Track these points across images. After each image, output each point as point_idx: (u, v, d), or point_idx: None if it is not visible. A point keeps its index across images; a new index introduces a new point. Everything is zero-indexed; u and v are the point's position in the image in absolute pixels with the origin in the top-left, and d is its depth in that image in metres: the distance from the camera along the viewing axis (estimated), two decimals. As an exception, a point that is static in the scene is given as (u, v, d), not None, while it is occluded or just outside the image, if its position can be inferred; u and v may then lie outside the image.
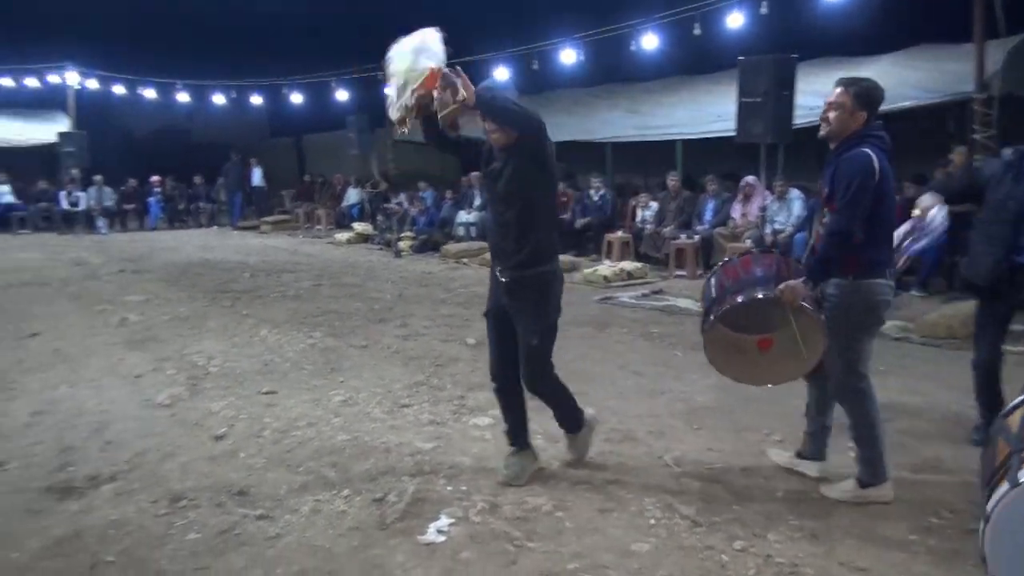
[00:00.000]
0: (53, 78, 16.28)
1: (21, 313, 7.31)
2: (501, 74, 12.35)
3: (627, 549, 2.79)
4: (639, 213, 10.84)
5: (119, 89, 17.08)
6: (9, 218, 15.45)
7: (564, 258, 7.11)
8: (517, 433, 3.45)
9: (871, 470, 3.11)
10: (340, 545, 2.85)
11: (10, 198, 15.74)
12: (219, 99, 17.61)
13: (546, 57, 12.57)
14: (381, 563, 2.71)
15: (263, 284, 9.12)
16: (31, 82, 16.25)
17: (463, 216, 13.35)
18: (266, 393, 4.76)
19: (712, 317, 3.22)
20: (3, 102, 16.72)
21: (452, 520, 3.02)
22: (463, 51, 13.22)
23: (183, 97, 17.40)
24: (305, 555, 2.80)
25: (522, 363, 3.26)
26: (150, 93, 17.05)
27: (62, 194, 15.84)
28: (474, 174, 14.23)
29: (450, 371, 5.24)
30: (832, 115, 3.06)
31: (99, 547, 2.87)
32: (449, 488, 3.32)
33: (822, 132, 3.14)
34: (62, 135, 15.89)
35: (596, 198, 11.26)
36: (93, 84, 16.73)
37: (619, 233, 10.55)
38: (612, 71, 13.04)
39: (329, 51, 15.79)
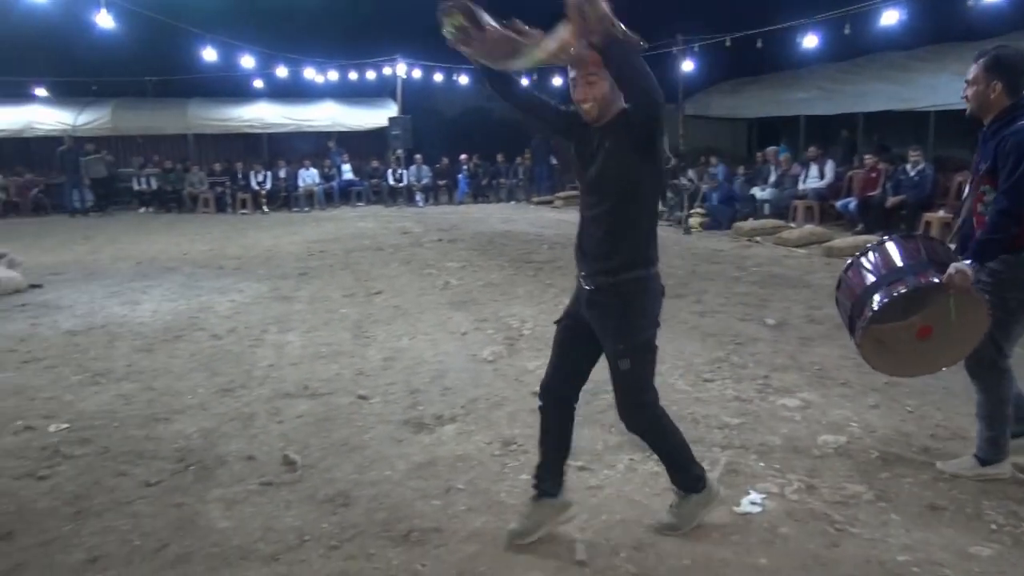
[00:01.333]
0: (386, 70, 18.58)
1: (366, 274, 8.60)
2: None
3: (965, 551, 2.62)
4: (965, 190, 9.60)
5: (438, 77, 18.95)
6: (349, 192, 18.05)
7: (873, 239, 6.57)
8: (545, 475, 2.83)
9: (994, 449, 3.10)
10: (656, 503, 3.03)
11: (350, 175, 18.36)
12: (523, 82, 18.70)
13: (860, 20, 11.56)
14: (697, 524, 2.84)
15: (560, 256, 9.66)
16: (369, 74, 18.69)
17: (757, 192, 12.88)
18: (573, 357, 5.11)
19: (870, 313, 2.92)
20: (347, 92, 19.51)
21: (766, 495, 3.06)
22: (770, 19, 12.69)
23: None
24: (624, 506, 3.03)
25: (615, 394, 2.68)
26: (463, 79, 18.66)
27: (389, 171, 18.13)
28: (768, 149, 13.76)
29: (750, 350, 5.19)
30: (969, 92, 3.00)
31: (450, 475, 3.37)
32: (761, 464, 3.35)
33: (967, 111, 3.03)
34: (391, 119, 18.14)
35: (913, 173, 10.19)
36: (417, 74, 18.77)
37: (940, 213, 9.46)
38: (942, 30, 11.61)
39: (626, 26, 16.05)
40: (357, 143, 19.46)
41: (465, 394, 4.46)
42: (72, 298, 7.48)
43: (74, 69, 17.09)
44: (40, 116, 18.03)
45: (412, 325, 6.17)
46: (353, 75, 18.40)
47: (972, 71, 2.98)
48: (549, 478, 2.83)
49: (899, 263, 3.02)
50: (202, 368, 5.10)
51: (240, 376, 4.90)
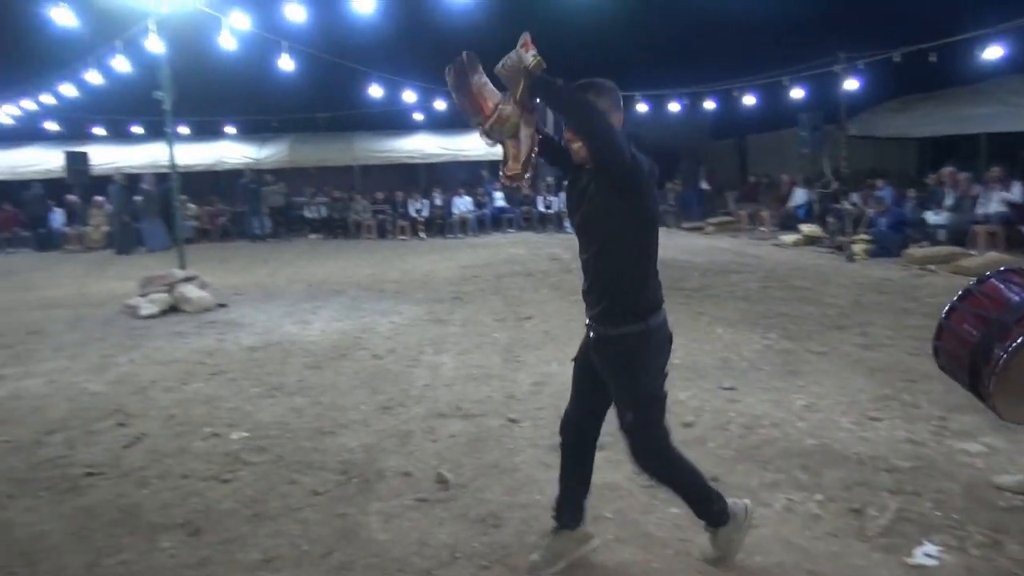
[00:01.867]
0: (537, 99, 19.00)
1: (516, 299, 8.79)
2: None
3: None
4: None
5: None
6: (500, 219, 18.55)
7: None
8: (565, 507, 2.81)
9: None
10: (817, 547, 2.88)
11: (502, 203, 18.88)
12: (674, 107, 18.51)
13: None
14: (864, 575, 2.67)
15: (712, 283, 9.41)
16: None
17: (931, 216, 11.95)
18: (727, 389, 4.96)
19: (1002, 360, 2.70)
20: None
21: (943, 548, 2.82)
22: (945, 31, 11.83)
23: (641, 107, 18.72)
24: (782, 549, 2.90)
25: (624, 437, 2.66)
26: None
27: (539, 199, 18.45)
28: (944, 170, 12.72)
29: (923, 388, 4.80)
30: None
31: (598, 503, 3.35)
32: (937, 513, 3.09)
33: None
34: (542, 147, 18.52)
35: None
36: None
37: None
38: None
39: (782, 49, 15.53)
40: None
41: (613, 422, 4.42)
42: (252, 317, 8.18)
43: (258, 108, 18.83)
44: (229, 151, 19.96)
45: (561, 350, 6.22)
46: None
47: None
48: (568, 510, 2.81)
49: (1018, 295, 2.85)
50: (364, 386, 5.41)
51: (398, 395, 5.15)
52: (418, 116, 19.37)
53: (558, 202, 18.23)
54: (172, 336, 7.27)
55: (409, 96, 16.61)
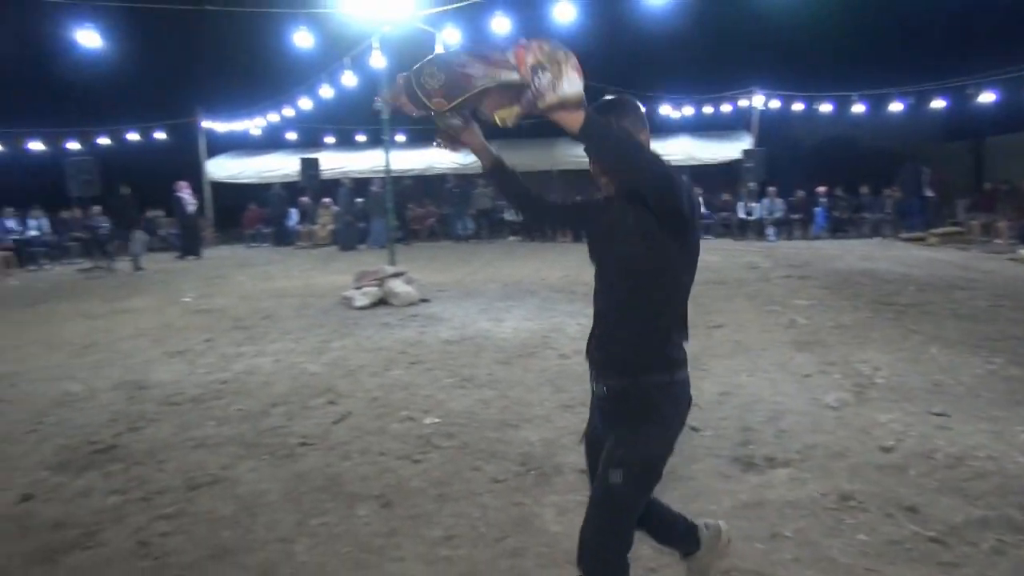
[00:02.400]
0: (742, 102, 18.36)
1: (707, 307, 8.56)
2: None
3: None
4: None
5: (797, 106, 18.19)
6: (697, 225, 18.12)
7: None
8: (675, 546, 2.57)
9: None
10: (1030, 596, 2.58)
11: (700, 209, 18.43)
12: (896, 106, 17.06)
13: None
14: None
15: (931, 299, 8.57)
16: (724, 107, 18.66)
17: None
18: (937, 414, 4.53)
19: None
20: (701, 126, 19.68)
21: None
22: None
23: (858, 108, 17.45)
24: (985, 593, 2.63)
25: (588, 511, 2.16)
26: (825, 107, 17.65)
27: (740, 204, 17.79)
28: None
29: None
30: None
31: (778, 521, 3.24)
32: None
33: None
34: (745, 152, 17.84)
35: None
36: (774, 104, 18.23)
37: None
38: None
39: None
40: (709, 177, 19.46)
41: (802, 439, 4.22)
42: (451, 312, 8.68)
43: (467, 116, 19.88)
44: (439, 157, 21.25)
45: (752, 362, 6.00)
46: (708, 109, 18.52)
47: None
48: (680, 544, 2.56)
49: None
50: (549, 384, 5.57)
51: (581, 395, 5.24)
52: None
53: (759, 209, 17.48)
54: (380, 326, 7.92)
55: (608, 101, 16.76)
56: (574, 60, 1.87)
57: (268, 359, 6.54)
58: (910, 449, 4.00)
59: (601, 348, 2.20)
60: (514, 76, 1.89)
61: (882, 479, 3.63)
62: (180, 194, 16.76)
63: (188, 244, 17.04)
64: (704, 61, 17.70)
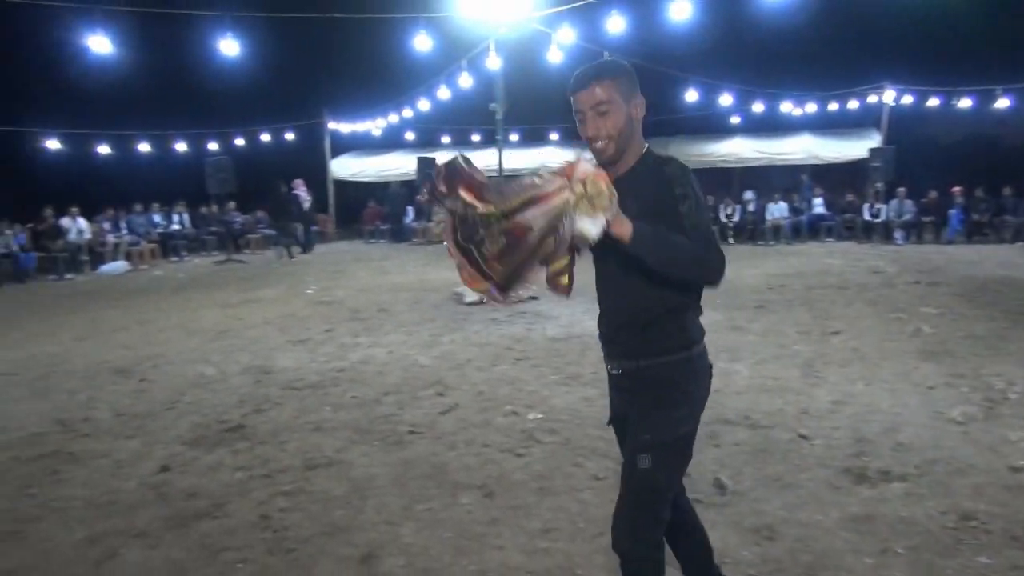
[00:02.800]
0: (870, 98, 17.44)
1: (825, 312, 8.22)
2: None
3: None
4: None
5: (933, 102, 17.10)
6: (818, 227, 17.35)
7: None
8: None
9: None
10: None
11: (821, 209, 17.64)
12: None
13: None
14: None
15: (1082, 311, 7.88)
16: (851, 104, 17.78)
17: None
18: (1079, 435, 4.19)
19: None
20: (825, 123, 18.85)
21: None
22: None
23: (1002, 103, 16.21)
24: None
25: (621, 495, 2.14)
26: (965, 102, 16.49)
27: (865, 206, 16.90)
28: None
29: None
30: None
31: (890, 536, 3.11)
32: None
33: None
34: (872, 151, 16.92)
35: None
36: (907, 100, 17.20)
37: None
38: None
39: None
40: (832, 176, 18.61)
41: (921, 454, 4.01)
42: (558, 311, 8.74)
43: (580, 116, 19.94)
44: (551, 156, 21.38)
45: (870, 370, 5.73)
46: (833, 106, 17.70)
47: None
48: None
49: None
50: (653, 385, 5.53)
51: (686, 397, 5.19)
52: (735, 120, 18.92)
53: (887, 210, 16.54)
54: (488, 322, 8.09)
55: (725, 99, 16.32)
56: (604, 184, 1.78)
57: (382, 350, 6.83)
58: (1048, 470, 3.73)
59: (613, 333, 2.18)
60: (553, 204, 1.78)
61: (1010, 500, 3.41)
62: (297, 192, 17.68)
63: (305, 239, 17.98)
64: (829, 55, 16.95)
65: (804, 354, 6.33)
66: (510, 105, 10.40)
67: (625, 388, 2.18)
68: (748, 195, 17.69)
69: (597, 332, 2.26)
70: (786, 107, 17.89)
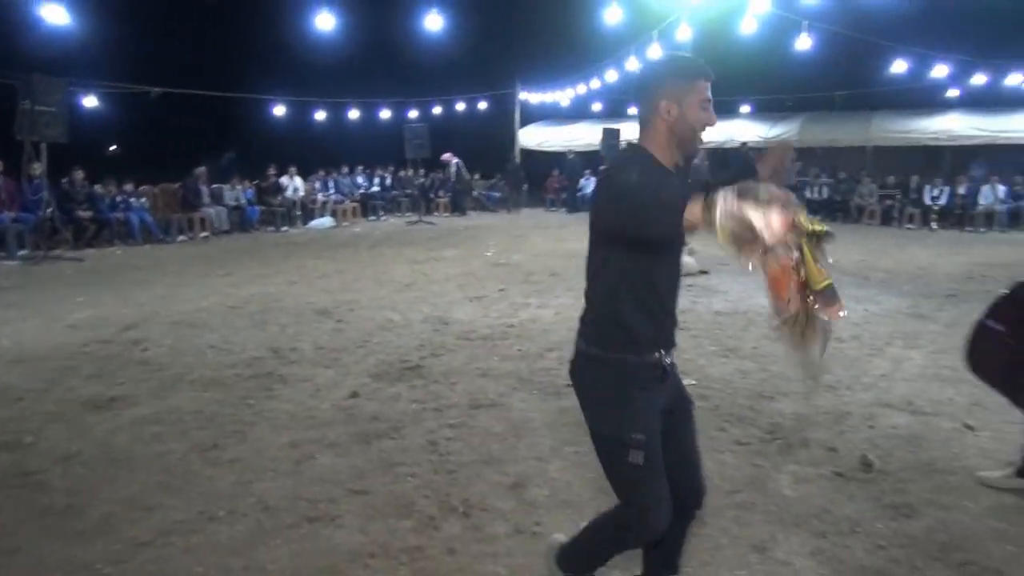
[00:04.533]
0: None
1: None
2: None
3: None
4: None
5: None
6: None
7: None
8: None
9: None
10: None
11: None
12: None
13: None
14: None
15: None
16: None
17: None
18: None
19: None
20: None
21: None
22: None
23: None
24: None
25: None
26: None
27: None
28: None
29: None
30: None
31: None
32: None
33: None
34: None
35: None
36: None
37: None
38: None
39: None
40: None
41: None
42: (728, 285, 8.69)
43: (773, 87, 19.06)
44: (742, 129, 20.68)
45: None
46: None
47: None
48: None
49: None
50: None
51: (847, 378, 5.10)
52: (952, 92, 17.22)
53: None
54: (655, 293, 8.23)
55: (940, 71, 14.90)
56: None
57: (550, 311, 7.22)
58: None
59: (672, 322, 2.21)
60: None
61: None
62: (454, 161, 19.07)
63: (460, 204, 19.68)
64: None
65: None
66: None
67: (669, 379, 2.18)
68: (975, 171, 16.00)
69: (629, 324, 2.05)
70: (1014, 79, 15.98)
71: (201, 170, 14.85)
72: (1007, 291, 3.38)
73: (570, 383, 2.21)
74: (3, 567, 2.72)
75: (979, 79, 15.45)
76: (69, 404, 4.53)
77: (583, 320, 2.15)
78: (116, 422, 4.23)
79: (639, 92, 2.06)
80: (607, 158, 20.29)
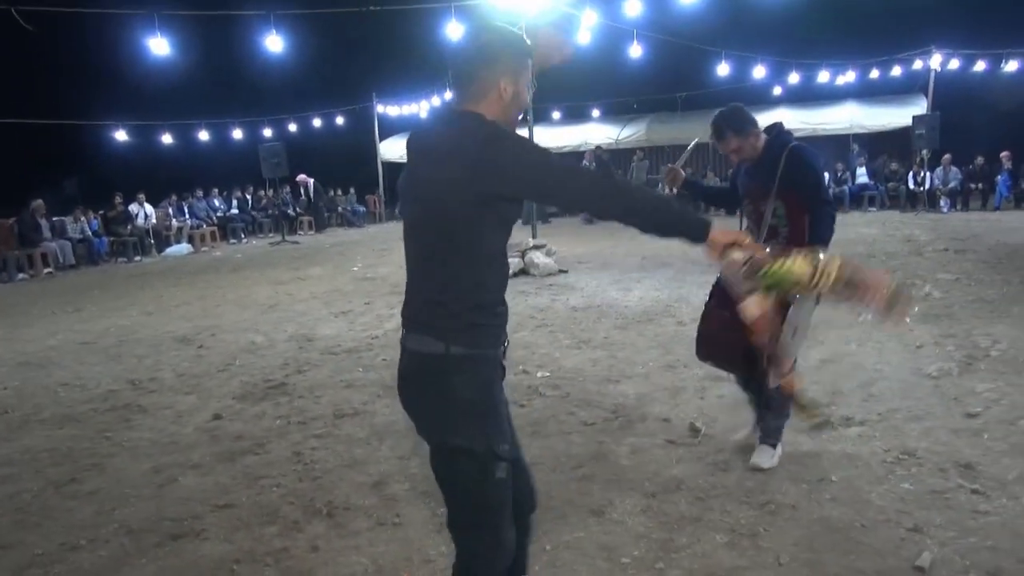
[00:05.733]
0: (916, 64, 17.18)
1: (843, 280, 8.47)
2: None
3: None
4: None
5: (980, 66, 16.77)
6: (861, 196, 17.28)
7: None
8: None
9: None
10: (1049, 542, 2.76)
11: (865, 179, 17.54)
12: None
13: None
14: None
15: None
16: (895, 71, 17.55)
17: None
18: (1043, 386, 4.50)
19: None
20: (869, 91, 18.64)
21: None
22: None
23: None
24: (1005, 537, 2.83)
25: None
26: (1012, 66, 16.15)
27: (910, 175, 16.75)
28: None
29: None
30: None
31: (829, 468, 3.53)
32: None
33: None
34: (915, 118, 16.71)
35: None
36: (954, 64, 16.90)
37: None
38: None
39: None
40: (875, 145, 18.45)
41: (887, 403, 4.40)
42: (585, 282, 9.22)
43: (620, 91, 20.16)
44: (592, 133, 21.66)
45: (867, 333, 6.05)
46: (875, 73, 17.50)
47: None
48: None
49: None
50: (659, 347, 5.98)
51: (685, 357, 5.60)
52: (776, 91, 18.86)
53: (931, 178, 16.36)
54: (516, 294, 8.61)
55: (759, 71, 16.35)
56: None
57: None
58: (995, 416, 4.08)
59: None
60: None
61: (952, 440, 3.78)
62: (309, 181, 19.68)
63: (321, 222, 19.95)
64: (871, 22, 16.77)
65: (813, 319, 6.65)
66: (543, 86, 10.79)
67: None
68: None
69: (496, 311, 1.94)
70: (825, 76, 17.75)
71: (38, 203, 13.98)
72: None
73: (430, 392, 1.89)
74: None
75: (794, 77, 17.03)
76: (-96, 457, 4.31)
77: (432, 317, 1.86)
78: (-40, 470, 4.08)
79: (479, 60, 1.84)
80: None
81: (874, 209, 16.82)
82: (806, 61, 17.04)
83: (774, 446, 3.63)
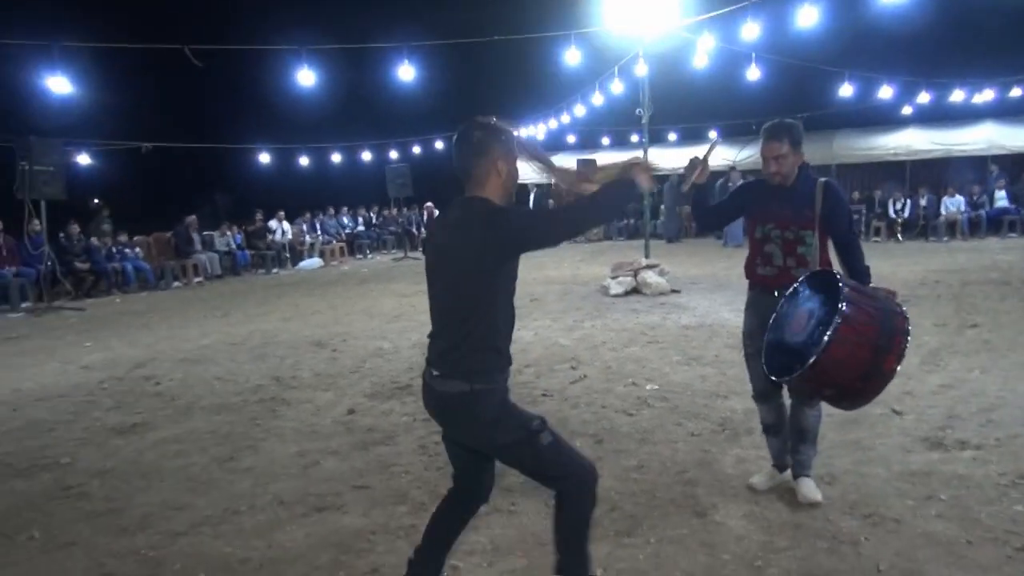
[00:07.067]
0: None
1: (972, 307, 8.15)
2: None
3: None
4: None
5: None
6: (1000, 221, 16.30)
7: None
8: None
9: None
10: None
11: (1004, 203, 16.54)
12: None
13: None
14: None
15: None
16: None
17: None
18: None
19: None
20: (1006, 110, 17.63)
21: None
22: None
23: None
24: None
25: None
26: None
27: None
28: None
29: None
30: None
31: (939, 487, 3.55)
32: None
33: None
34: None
35: None
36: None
37: None
38: None
39: None
40: (1017, 166, 17.36)
41: (1007, 429, 4.32)
42: (697, 302, 9.29)
43: (737, 113, 19.96)
44: (714, 153, 21.45)
45: (992, 360, 5.88)
46: (1016, 91, 16.52)
47: None
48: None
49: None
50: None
51: (795, 377, 5.66)
52: (906, 110, 18.12)
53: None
54: (628, 311, 8.82)
55: (885, 91, 15.80)
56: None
57: (529, 332, 7.78)
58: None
59: None
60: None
61: None
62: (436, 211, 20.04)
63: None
64: (1008, 34, 15.83)
65: (931, 344, 6.51)
66: (661, 108, 11.02)
67: None
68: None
69: (505, 351, 2.45)
70: (960, 95, 16.89)
71: (191, 218, 15.41)
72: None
73: (466, 419, 2.33)
74: (65, 556, 3.23)
75: (924, 97, 16.34)
76: (96, 431, 5.04)
77: (457, 362, 2.31)
78: (141, 443, 4.74)
79: (476, 154, 2.35)
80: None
81: (1015, 235, 15.82)
82: (938, 80, 16.31)
83: (811, 476, 3.61)
